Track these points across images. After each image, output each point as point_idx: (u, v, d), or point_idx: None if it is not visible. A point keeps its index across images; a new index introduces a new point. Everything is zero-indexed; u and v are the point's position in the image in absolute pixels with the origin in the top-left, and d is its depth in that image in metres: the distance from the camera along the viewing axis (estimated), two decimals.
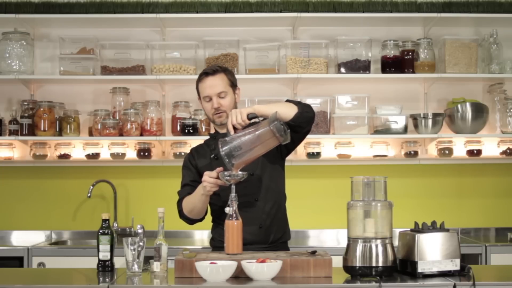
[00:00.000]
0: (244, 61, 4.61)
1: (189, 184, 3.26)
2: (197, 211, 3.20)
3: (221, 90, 3.20)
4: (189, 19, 4.63)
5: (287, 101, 3.18)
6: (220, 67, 3.26)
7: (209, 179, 3.02)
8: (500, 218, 4.79)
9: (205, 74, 3.23)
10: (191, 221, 3.27)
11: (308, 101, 4.59)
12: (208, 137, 3.38)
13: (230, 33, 4.73)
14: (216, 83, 3.20)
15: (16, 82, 4.63)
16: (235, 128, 2.98)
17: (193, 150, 3.38)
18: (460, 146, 4.72)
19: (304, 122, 3.09)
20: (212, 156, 3.24)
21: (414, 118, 4.61)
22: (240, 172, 2.95)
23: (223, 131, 3.23)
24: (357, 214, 2.82)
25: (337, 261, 2.90)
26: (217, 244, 3.27)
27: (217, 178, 3.01)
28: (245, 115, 2.98)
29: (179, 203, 3.25)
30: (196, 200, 3.15)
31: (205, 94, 3.22)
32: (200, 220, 3.27)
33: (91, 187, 4.60)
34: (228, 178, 2.94)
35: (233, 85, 3.27)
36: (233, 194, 2.95)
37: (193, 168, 3.29)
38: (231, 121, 2.98)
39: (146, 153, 4.64)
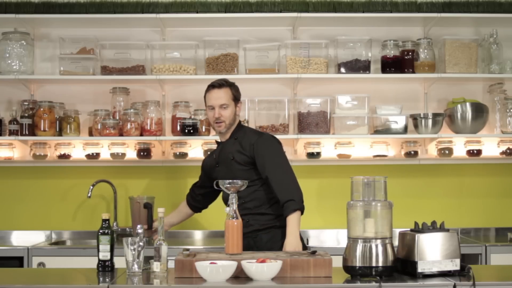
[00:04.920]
0: (244, 61, 4.61)
1: (196, 185, 3.96)
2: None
3: (224, 102, 3.58)
4: (189, 19, 4.63)
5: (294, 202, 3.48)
6: (227, 81, 3.63)
7: None
8: (500, 218, 4.79)
9: (212, 86, 3.62)
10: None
11: (308, 101, 4.61)
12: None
13: (230, 33, 4.73)
14: (220, 96, 3.59)
15: (16, 82, 4.63)
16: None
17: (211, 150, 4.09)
18: (460, 146, 4.72)
19: None
20: (216, 165, 3.70)
21: (414, 118, 4.61)
22: (239, 181, 3.10)
23: (222, 139, 3.70)
24: (357, 214, 2.82)
25: (337, 261, 2.90)
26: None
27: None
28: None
29: (187, 195, 3.99)
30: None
31: (209, 104, 3.62)
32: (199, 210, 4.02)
33: (91, 187, 4.59)
34: (227, 186, 3.08)
35: (236, 99, 3.64)
36: (233, 194, 2.97)
37: (203, 169, 3.89)
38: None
39: (146, 153, 4.64)
